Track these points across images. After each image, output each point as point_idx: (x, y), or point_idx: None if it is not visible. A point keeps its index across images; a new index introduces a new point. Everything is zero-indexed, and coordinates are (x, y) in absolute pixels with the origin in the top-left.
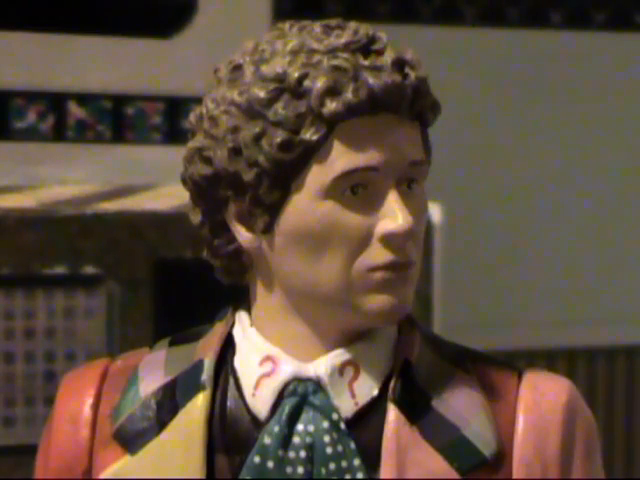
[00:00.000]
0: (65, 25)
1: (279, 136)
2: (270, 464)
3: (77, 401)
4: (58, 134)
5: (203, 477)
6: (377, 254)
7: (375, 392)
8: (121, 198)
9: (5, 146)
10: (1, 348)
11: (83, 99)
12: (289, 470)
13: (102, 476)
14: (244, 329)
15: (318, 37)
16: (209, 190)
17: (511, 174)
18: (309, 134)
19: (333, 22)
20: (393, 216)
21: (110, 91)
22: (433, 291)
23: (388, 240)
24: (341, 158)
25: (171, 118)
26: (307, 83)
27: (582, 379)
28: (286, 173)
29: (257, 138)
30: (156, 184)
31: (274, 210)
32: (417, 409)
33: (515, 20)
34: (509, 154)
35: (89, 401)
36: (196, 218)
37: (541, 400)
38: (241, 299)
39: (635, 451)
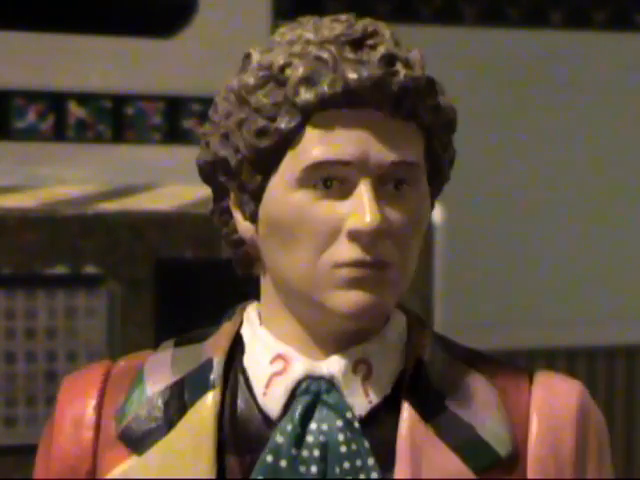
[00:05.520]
0: (65, 25)
1: (256, 123)
2: (283, 463)
3: (80, 403)
4: (58, 134)
5: (213, 477)
6: (343, 250)
7: (388, 390)
8: (122, 198)
9: (5, 146)
10: (2, 348)
11: (83, 99)
12: (302, 469)
13: (109, 476)
14: (253, 327)
15: (318, 29)
16: (212, 176)
17: (511, 174)
18: (284, 123)
19: (343, 16)
20: (361, 213)
21: (110, 91)
22: (433, 291)
23: (354, 237)
24: (313, 148)
25: (171, 118)
26: (288, 72)
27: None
28: (264, 160)
29: (240, 124)
30: (156, 184)
31: (257, 198)
32: (431, 408)
33: (515, 20)
34: (509, 154)
35: (92, 403)
36: (211, 206)
37: (554, 401)
38: (242, 298)
39: (635, 451)
